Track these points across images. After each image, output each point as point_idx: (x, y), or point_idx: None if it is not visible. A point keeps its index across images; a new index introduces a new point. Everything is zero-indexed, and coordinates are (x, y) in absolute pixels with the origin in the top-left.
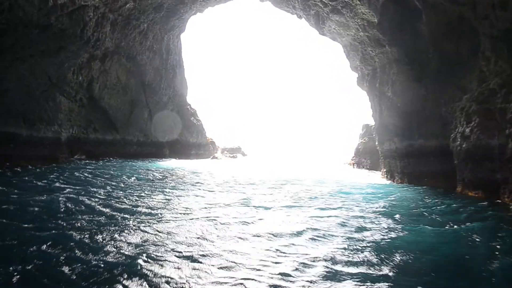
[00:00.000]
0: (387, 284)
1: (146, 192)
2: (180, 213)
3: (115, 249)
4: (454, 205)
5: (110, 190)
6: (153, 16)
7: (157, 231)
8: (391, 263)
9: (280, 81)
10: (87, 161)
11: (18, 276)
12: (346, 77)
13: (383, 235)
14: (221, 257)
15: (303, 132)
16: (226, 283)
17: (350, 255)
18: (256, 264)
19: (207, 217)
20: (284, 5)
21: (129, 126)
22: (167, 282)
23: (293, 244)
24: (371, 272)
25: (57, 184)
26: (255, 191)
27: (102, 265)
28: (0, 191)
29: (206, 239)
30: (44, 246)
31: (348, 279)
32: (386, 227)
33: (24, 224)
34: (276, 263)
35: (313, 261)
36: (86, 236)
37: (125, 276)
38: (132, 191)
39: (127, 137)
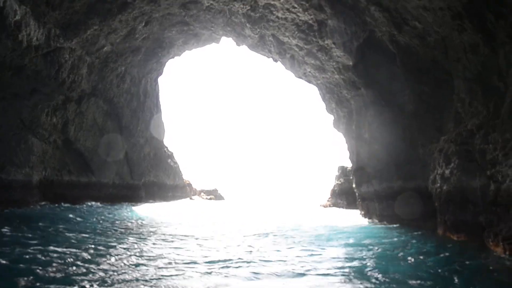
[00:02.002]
0: None
1: None
2: None
3: None
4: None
5: None
6: (130, 59)
7: None
8: None
9: (257, 123)
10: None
11: None
12: (321, 118)
13: None
14: None
15: (279, 172)
16: None
17: None
18: None
19: None
20: (260, 49)
21: (105, 168)
22: None
23: None
24: None
25: None
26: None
27: None
28: None
29: None
30: None
31: None
32: None
33: None
34: None
35: None
36: None
37: None
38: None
39: (103, 179)
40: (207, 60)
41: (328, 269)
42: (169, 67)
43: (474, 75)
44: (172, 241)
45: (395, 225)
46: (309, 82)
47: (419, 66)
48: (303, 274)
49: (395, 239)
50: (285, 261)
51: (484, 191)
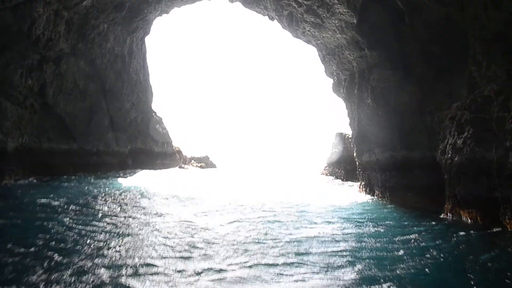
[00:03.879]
0: None
1: None
2: None
3: None
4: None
5: None
6: (113, 16)
7: None
8: None
9: (250, 86)
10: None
11: None
12: (319, 82)
13: None
14: None
15: (273, 138)
16: None
17: None
18: None
19: None
20: (255, 5)
21: (88, 134)
22: None
23: None
24: None
25: None
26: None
27: None
28: None
29: None
30: None
31: None
32: None
33: None
34: None
35: None
36: None
37: None
38: None
39: (86, 146)
40: (198, 19)
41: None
42: (157, 26)
43: (494, 35)
44: None
45: (397, 199)
46: (308, 42)
47: (430, 25)
48: None
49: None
50: None
51: (502, 163)
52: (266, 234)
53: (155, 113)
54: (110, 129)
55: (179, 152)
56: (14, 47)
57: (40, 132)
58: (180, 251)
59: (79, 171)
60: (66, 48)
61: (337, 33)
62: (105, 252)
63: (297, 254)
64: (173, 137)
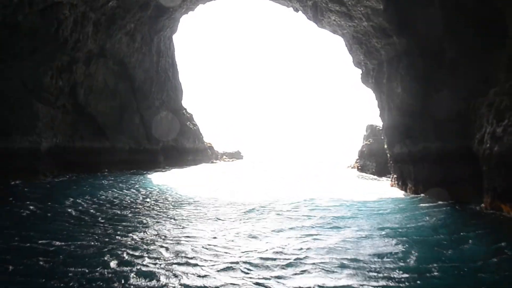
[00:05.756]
0: None
1: None
2: None
3: None
4: None
5: None
6: (140, 15)
7: None
8: None
9: (279, 79)
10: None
11: None
12: (348, 73)
13: None
14: None
15: (304, 130)
16: None
17: None
18: None
19: None
20: None
21: (119, 132)
22: None
23: None
24: None
25: None
26: None
27: None
28: None
29: None
30: None
31: None
32: None
33: None
34: None
35: None
36: None
37: None
38: None
39: (117, 144)
40: (226, 15)
41: None
42: (184, 24)
43: None
44: None
45: (431, 193)
46: (334, 32)
47: (462, 6)
48: None
49: None
50: None
51: None
52: None
53: (185, 109)
54: (141, 127)
55: (211, 147)
56: (43, 50)
57: (73, 132)
58: None
59: (112, 169)
60: (95, 48)
61: (364, 20)
62: None
63: None
64: (205, 133)
